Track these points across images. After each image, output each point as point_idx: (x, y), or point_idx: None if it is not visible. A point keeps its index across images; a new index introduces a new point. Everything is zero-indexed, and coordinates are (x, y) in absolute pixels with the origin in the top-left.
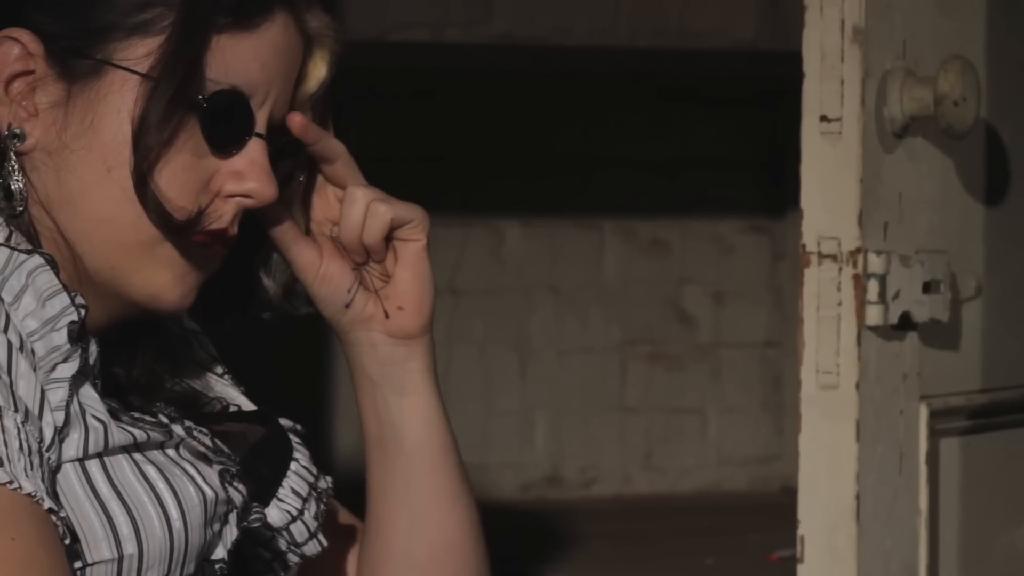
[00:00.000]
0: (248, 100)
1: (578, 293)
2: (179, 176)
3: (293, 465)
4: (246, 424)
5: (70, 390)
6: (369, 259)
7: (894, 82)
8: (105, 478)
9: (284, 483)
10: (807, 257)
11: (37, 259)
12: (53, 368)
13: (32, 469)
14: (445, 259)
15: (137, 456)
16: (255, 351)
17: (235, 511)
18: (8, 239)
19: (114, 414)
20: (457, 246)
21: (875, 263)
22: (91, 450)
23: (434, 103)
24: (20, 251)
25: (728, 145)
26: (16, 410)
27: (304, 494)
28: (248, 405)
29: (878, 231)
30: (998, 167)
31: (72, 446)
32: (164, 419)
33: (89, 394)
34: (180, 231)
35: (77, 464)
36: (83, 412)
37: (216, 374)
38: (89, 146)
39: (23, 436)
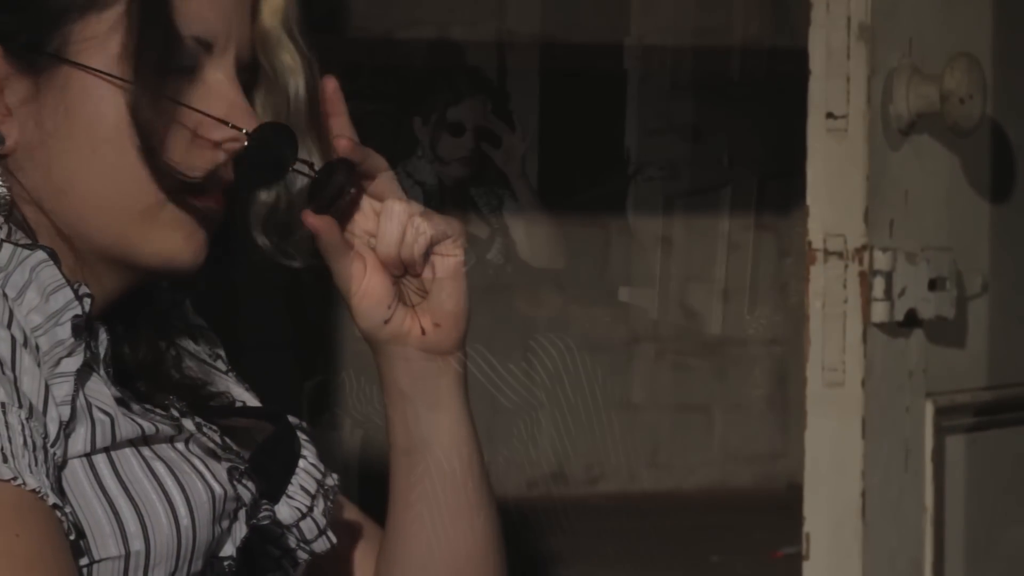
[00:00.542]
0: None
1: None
2: (173, 137)
3: (301, 462)
4: (253, 420)
5: (75, 384)
6: (406, 273)
7: (900, 79)
8: (112, 474)
9: (293, 480)
10: (813, 254)
11: (40, 254)
12: (57, 363)
13: (37, 465)
14: None
15: (145, 451)
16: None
17: (244, 508)
18: (9, 236)
19: (124, 404)
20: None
21: (881, 260)
22: (98, 444)
23: None
24: (22, 246)
25: (735, 141)
26: (20, 406)
27: (313, 491)
28: (253, 402)
29: (884, 228)
30: (1004, 164)
31: (78, 441)
32: (175, 412)
33: (96, 387)
34: (197, 190)
35: (84, 460)
36: (89, 406)
37: (221, 370)
38: (69, 133)
39: (27, 432)
